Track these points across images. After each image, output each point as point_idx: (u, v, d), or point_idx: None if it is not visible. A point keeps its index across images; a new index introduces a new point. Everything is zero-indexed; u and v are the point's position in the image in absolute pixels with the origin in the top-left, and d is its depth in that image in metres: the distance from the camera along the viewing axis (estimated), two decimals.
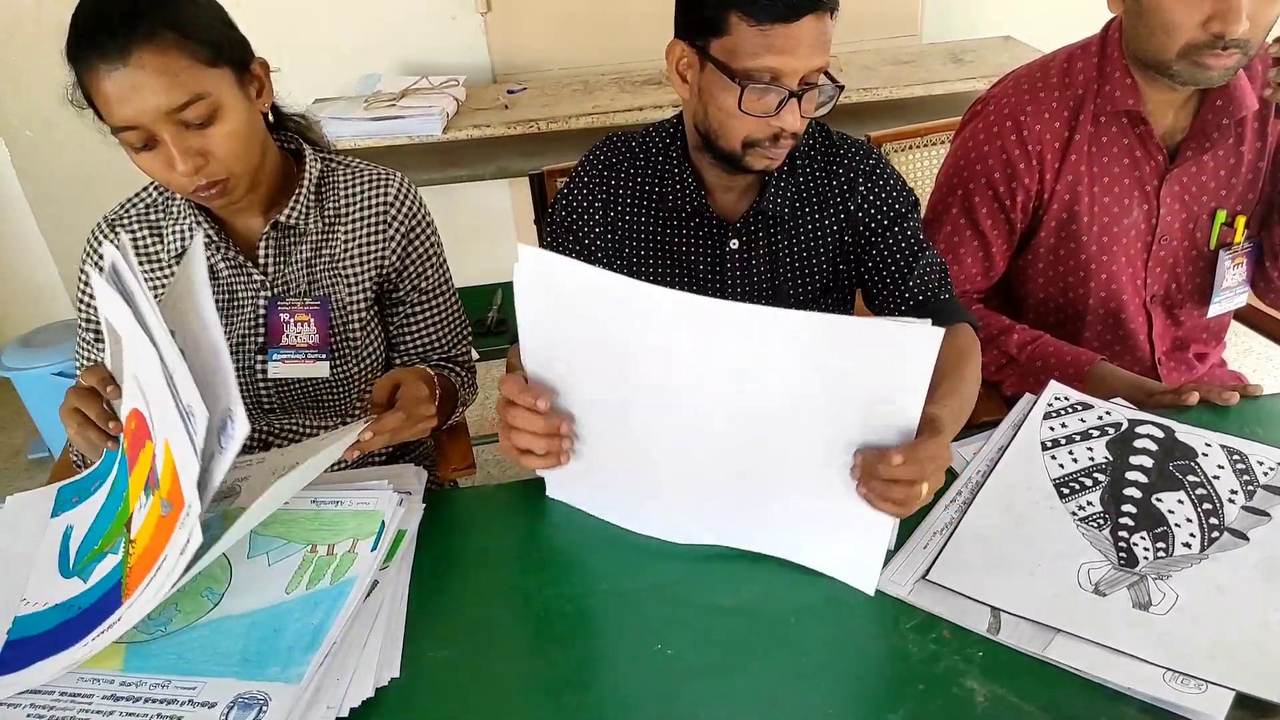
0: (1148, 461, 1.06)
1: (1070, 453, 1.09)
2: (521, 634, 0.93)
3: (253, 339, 1.23)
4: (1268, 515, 0.98)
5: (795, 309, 1.24)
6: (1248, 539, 0.96)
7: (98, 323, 1.24)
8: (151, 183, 1.25)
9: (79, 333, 1.28)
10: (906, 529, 0.98)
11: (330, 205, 1.25)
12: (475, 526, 1.10)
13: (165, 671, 0.87)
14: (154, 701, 0.84)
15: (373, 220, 1.25)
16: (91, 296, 1.25)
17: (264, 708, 0.82)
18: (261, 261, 1.22)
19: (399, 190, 1.26)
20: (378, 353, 1.31)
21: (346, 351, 1.26)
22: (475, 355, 1.43)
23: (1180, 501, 1.01)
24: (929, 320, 1.18)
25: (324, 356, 1.23)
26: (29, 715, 0.84)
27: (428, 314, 1.32)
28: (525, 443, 0.99)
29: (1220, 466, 1.05)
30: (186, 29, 1.04)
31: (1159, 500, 1.01)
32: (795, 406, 0.88)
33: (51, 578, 0.99)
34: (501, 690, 0.86)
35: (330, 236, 1.24)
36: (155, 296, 0.95)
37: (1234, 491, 1.02)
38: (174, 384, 0.88)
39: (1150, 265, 1.41)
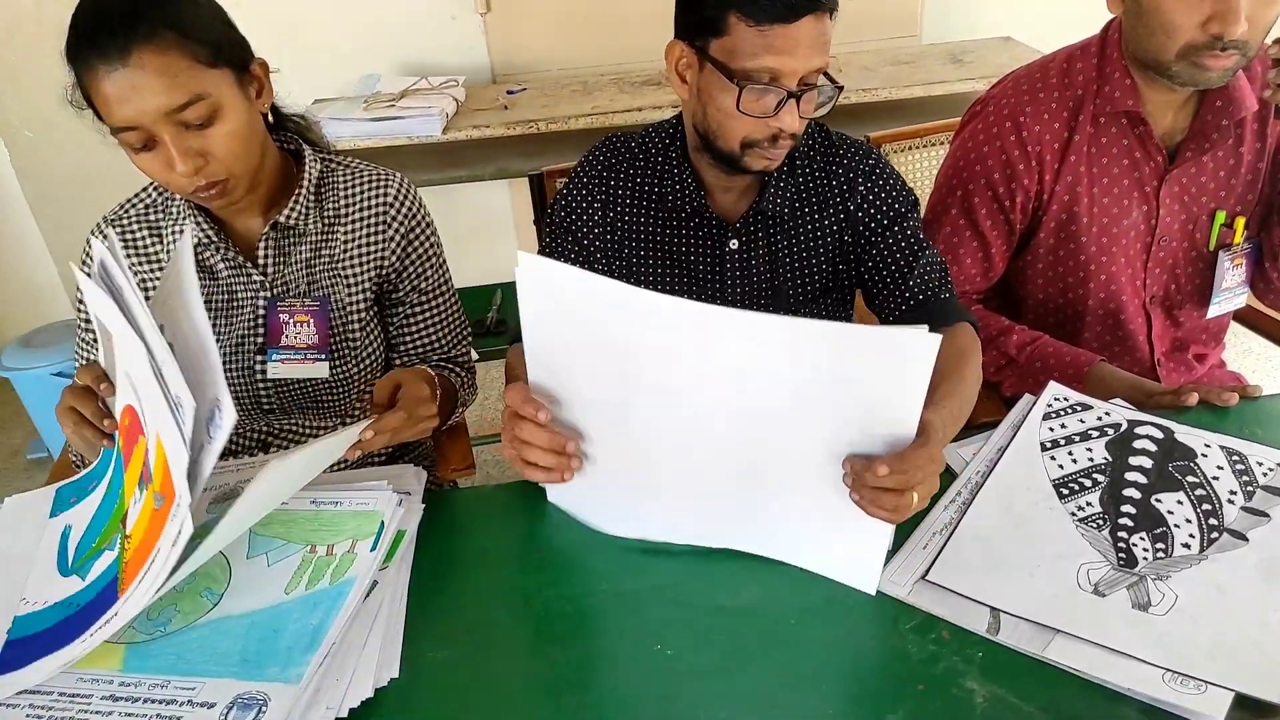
0: (1147, 462, 1.06)
1: (1070, 453, 1.09)
2: (521, 634, 0.93)
3: (252, 339, 1.23)
4: (1267, 516, 0.98)
5: (795, 309, 1.26)
6: (1247, 539, 0.96)
7: None
8: (151, 183, 1.25)
9: (78, 333, 1.28)
10: (906, 529, 0.98)
11: (330, 206, 1.25)
12: (475, 527, 1.10)
13: (164, 672, 0.87)
14: (153, 702, 0.84)
15: (372, 221, 1.25)
16: None
17: (263, 708, 0.82)
18: (261, 262, 1.22)
19: (398, 191, 1.26)
20: (377, 353, 1.31)
21: (346, 352, 1.26)
22: (475, 355, 1.43)
23: (1180, 502, 1.01)
24: (927, 325, 1.18)
25: (323, 357, 1.23)
26: (28, 715, 0.84)
27: (427, 314, 1.32)
28: (533, 457, 0.99)
29: (1219, 467, 1.05)
30: (186, 29, 1.04)
31: (1158, 501, 1.01)
32: (794, 411, 0.88)
33: (50, 577, 0.99)
34: (501, 691, 0.86)
35: (330, 237, 1.24)
36: (149, 296, 0.95)
37: (1233, 492, 1.02)
38: (162, 377, 0.89)
39: (1150, 266, 1.41)
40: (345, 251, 1.24)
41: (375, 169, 1.28)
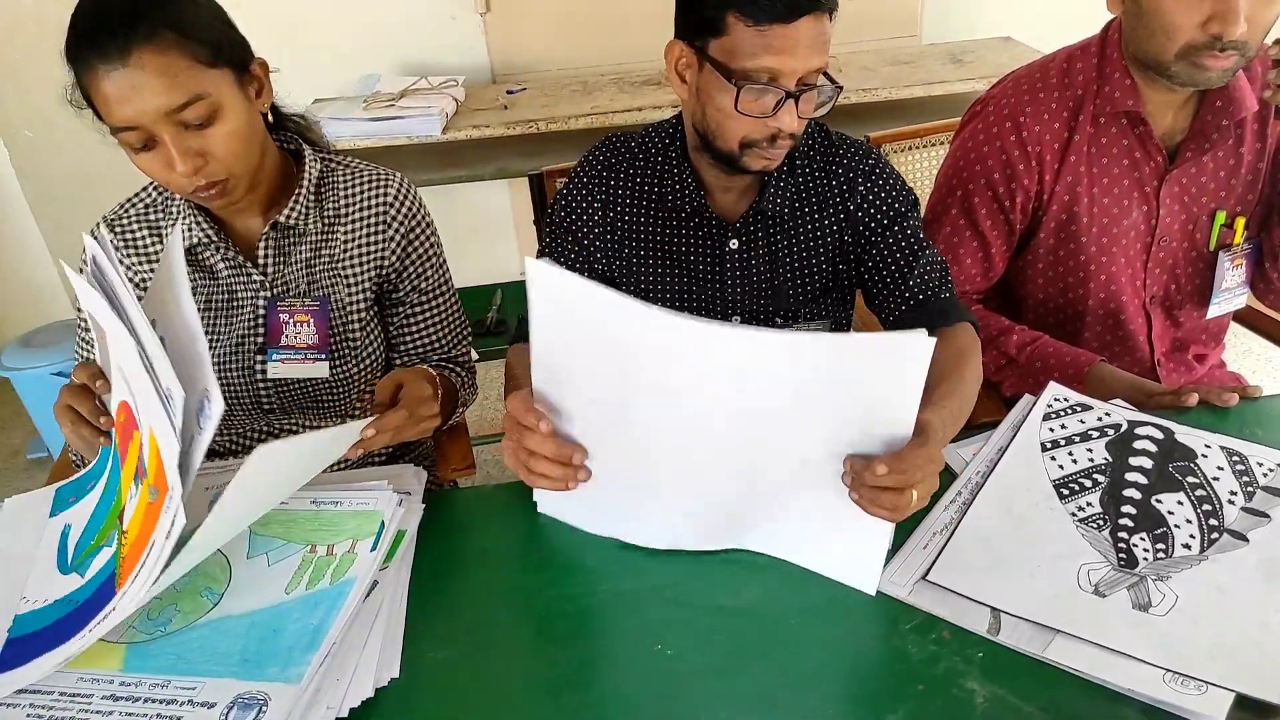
0: (1147, 463, 1.06)
1: (1070, 454, 1.09)
2: (521, 634, 0.93)
3: (252, 339, 1.23)
4: (1267, 516, 0.98)
5: (795, 309, 1.26)
6: (1247, 540, 0.96)
7: None
8: (151, 183, 1.25)
9: (78, 332, 1.28)
10: (906, 529, 0.98)
11: (330, 205, 1.25)
12: (475, 527, 1.10)
13: (165, 672, 0.87)
14: (154, 701, 0.84)
15: (372, 221, 1.25)
16: None
17: (264, 708, 0.82)
18: (261, 262, 1.22)
19: (398, 191, 1.26)
20: (377, 353, 1.31)
21: (346, 352, 1.26)
22: (475, 355, 1.43)
23: (1180, 502, 1.01)
24: (927, 325, 1.18)
25: (323, 357, 1.23)
26: (29, 715, 0.84)
27: (427, 314, 1.32)
28: (541, 468, 0.98)
29: (1220, 468, 1.05)
30: (186, 29, 1.04)
31: (1159, 501, 1.01)
32: (793, 413, 0.88)
33: (50, 575, 0.99)
34: (501, 690, 0.86)
35: (330, 237, 1.24)
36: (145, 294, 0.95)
37: (1233, 493, 1.02)
38: (153, 370, 0.89)
39: (1150, 266, 1.41)
40: (345, 251, 1.24)
41: (375, 169, 1.28)
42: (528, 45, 2.86)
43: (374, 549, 0.97)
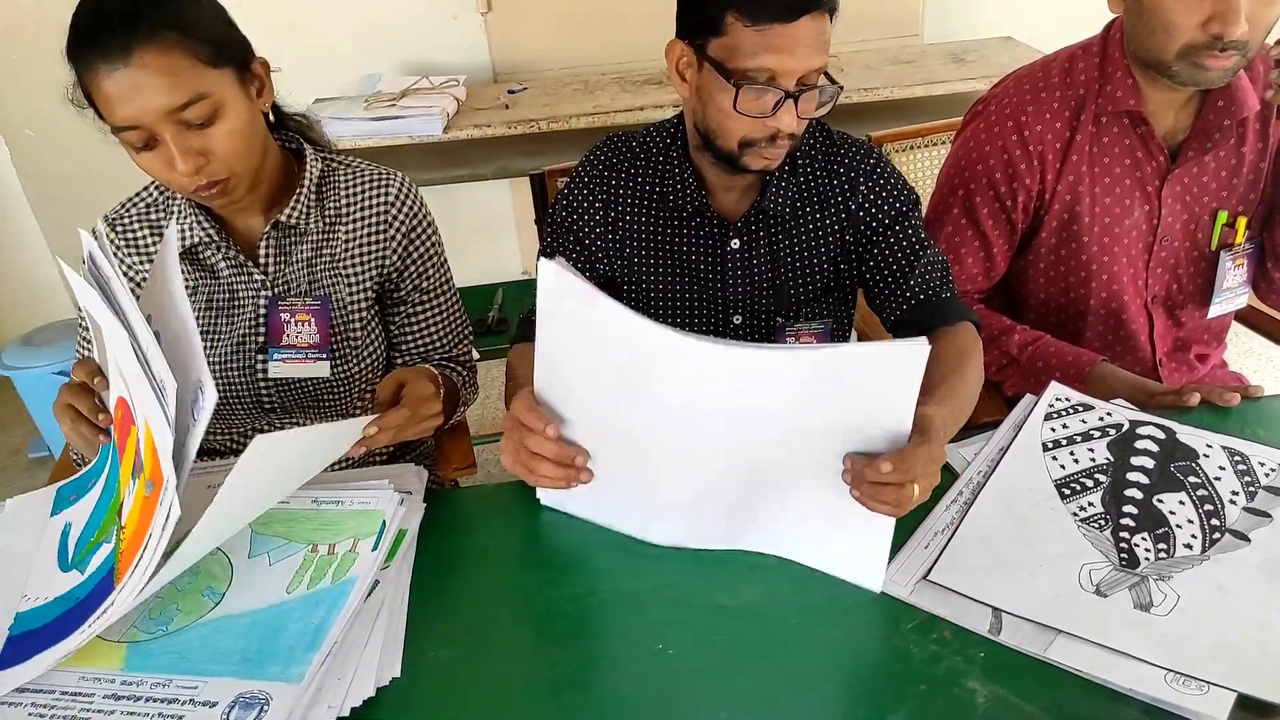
0: (1149, 462, 1.06)
1: (1071, 453, 1.09)
2: (522, 634, 0.93)
3: (253, 338, 1.23)
4: (1269, 516, 0.98)
5: (797, 308, 1.26)
6: (1249, 540, 0.96)
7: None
8: (152, 182, 1.25)
9: (79, 332, 1.28)
10: (908, 529, 0.98)
11: (331, 205, 1.25)
12: (476, 526, 1.10)
13: (166, 671, 0.87)
14: (155, 701, 0.84)
15: (374, 220, 1.25)
16: None
17: (265, 707, 0.82)
18: (262, 261, 1.22)
19: (400, 190, 1.26)
20: (378, 352, 1.31)
21: (347, 351, 1.26)
22: (476, 355, 1.43)
23: (1181, 502, 1.01)
24: (929, 324, 1.18)
25: (324, 356, 1.23)
26: (30, 714, 0.84)
27: (429, 314, 1.32)
28: (543, 470, 0.98)
29: (1221, 468, 1.05)
30: (188, 28, 1.04)
31: (1160, 501, 1.01)
32: (793, 425, 0.89)
33: (51, 573, 0.99)
34: (502, 690, 0.86)
35: (331, 236, 1.24)
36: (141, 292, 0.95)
37: (1235, 493, 1.01)
38: (147, 362, 0.89)
39: (1151, 266, 1.41)
40: (346, 251, 1.24)
41: (376, 168, 1.28)
42: (529, 44, 2.86)
43: (375, 548, 0.97)
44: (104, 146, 1.14)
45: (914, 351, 0.80)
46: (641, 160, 1.26)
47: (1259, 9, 1.16)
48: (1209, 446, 1.08)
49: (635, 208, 1.25)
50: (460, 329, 1.37)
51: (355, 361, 1.27)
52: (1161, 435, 1.10)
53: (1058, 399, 1.17)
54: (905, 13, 2.92)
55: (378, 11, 2.78)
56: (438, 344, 1.34)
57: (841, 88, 1.10)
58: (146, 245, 1.24)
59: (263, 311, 1.23)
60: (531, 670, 0.89)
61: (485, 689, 0.86)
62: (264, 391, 1.26)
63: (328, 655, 0.87)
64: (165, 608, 0.94)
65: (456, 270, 1.37)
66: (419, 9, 2.79)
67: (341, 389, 1.28)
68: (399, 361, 1.34)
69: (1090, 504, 1.01)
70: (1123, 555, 0.95)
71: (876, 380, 0.84)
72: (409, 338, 1.32)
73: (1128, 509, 1.00)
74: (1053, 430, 1.12)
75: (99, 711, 0.84)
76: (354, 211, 1.25)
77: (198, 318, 1.23)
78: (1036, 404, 1.17)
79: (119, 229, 1.25)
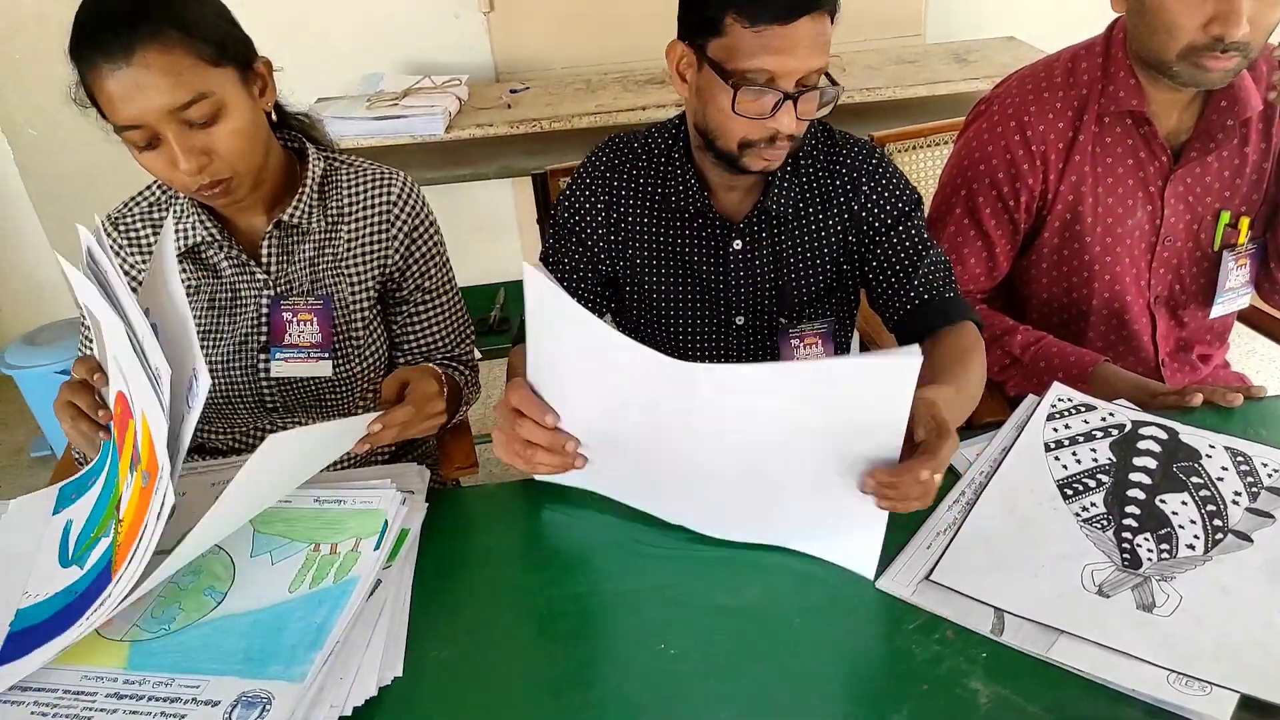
0: (1151, 463, 1.06)
1: (1074, 454, 1.08)
2: (524, 633, 0.93)
3: (256, 338, 1.23)
4: (1271, 517, 0.98)
5: (799, 309, 1.26)
6: (1251, 541, 0.96)
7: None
8: (154, 181, 1.25)
9: (81, 330, 1.28)
10: (909, 530, 0.98)
11: (333, 204, 1.25)
12: (478, 526, 1.10)
13: (168, 670, 0.87)
14: (157, 700, 0.84)
15: (376, 219, 1.25)
16: None
17: (267, 706, 0.82)
18: (264, 260, 1.22)
19: (402, 189, 1.26)
20: (381, 352, 1.31)
21: (349, 351, 1.26)
22: (478, 354, 1.43)
23: (1184, 503, 1.01)
24: (930, 325, 1.18)
25: (327, 355, 1.23)
26: (33, 713, 0.84)
27: (431, 313, 1.32)
28: (539, 458, 0.98)
29: (1224, 468, 1.05)
30: (190, 27, 1.04)
31: (1163, 502, 1.01)
32: (782, 432, 0.89)
33: (52, 570, 0.99)
34: (504, 689, 0.86)
35: (333, 235, 1.24)
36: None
37: (1238, 493, 1.01)
38: (143, 352, 0.90)
39: (1154, 266, 1.41)
40: (349, 250, 1.24)
41: (379, 168, 1.28)
42: (531, 44, 2.86)
43: (377, 548, 0.98)
44: (106, 146, 1.14)
45: (903, 363, 0.80)
46: (643, 161, 1.25)
47: (1261, 10, 1.16)
48: (1211, 447, 1.08)
49: (637, 209, 1.25)
50: (462, 328, 1.37)
51: (357, 361, 1.27)
52: (1164, 436, 1.10)
53: (1060, 399, 1.17)
54: (908, 12, 2.92)
55: (380, 11, 2.78)
56: (440, 343, 1.34)
57: (842, 89, 1.09)
58: (149, 244, 1.24)
59: (265, 311, 1.23)
60: (533, 670, 0.89)
61: (487, 688, 0.86)
62: (266, 391, 1.26)
63: (330, 654, 0.87)
64: (167, 607, 0.94)
65: (458, 270, 1.37)
66: (421, 8, 2.79)
67: (344, 388, 1.28)
68: (401, 361, 1.34)
69: (1093, 504, 1.01)
70: (1125, 556, 0.95)
71: (868, 391, 0.84)
72: (411, 337, 1.32)
73: (1130, 509, 1.00)
74: (1055, 431, 1.12)
75: (101, 710, 0.84)
76: (356, 211, 1.25)
77: (200, 317, 1.23)
78: (1039, 404, 1.17)
79: (121, 228, 1.25)
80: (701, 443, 0.91)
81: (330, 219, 1.24)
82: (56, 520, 1.07)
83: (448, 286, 1.34)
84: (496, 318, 2.35)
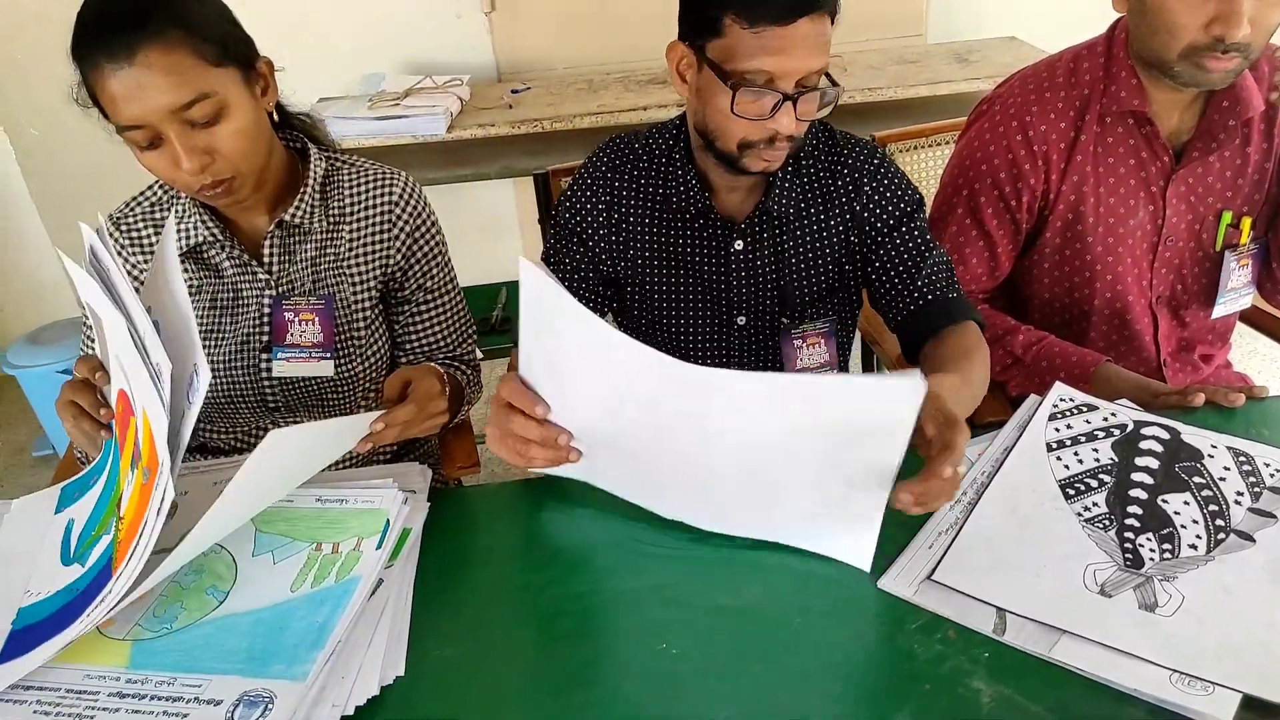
0: (1153, 463, 1.06)
1: (1076, 454, 1.08)
2: (526, 632, 0.93)
3: (257, 337, 1.24)
4: (1274, 517, 0.98)
5: (801, 309, 1.26)
6: (1254, 540, 0.95)
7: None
8: (156, 181, 1.25)
9: (83, 329, 1.29)
10: (911, 530, 0.98)
11: (335, 204, 1.25)
12: (480, 525, 1.10)
13: (171, 669, 0.87)
14: (159, 699, 0.84)
15: (378, 219, 1.25)
16: None
17: (269, 705, 0.82)
18: (266, 260, 1.22)
19: (404, 189, 1.26)
20: (382, 351, 1.31)
21: (351, 350, 1.26)
22: (479, 354, 1.43)
23: (1186, 503, 1.01)
24: (933, 326, 1.18)
25: (328, 355, 1.23)
26: (35, 712, 0.84)
27: (433, 313, 1.32)
28: (532, 453, 0.98)
29: (1226, 468, 1.05)
30: (192, 27, 1.04)
31: (1165, 501, 1.01)
32: (787, 436, 0.88)
33: (54, 569, 1.00)
34: (506, 688, 0.86)
35: (335, 235, 1.24)
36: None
37: (1240, 493, 1.01)
38: (144, 348, 0.90)
39: (1156, 266, 1.41)
40: (350, 250, 1.25)
41: (380, 168, 1.28)
42: (533, 44, 2.86)
43: (379, 547, 0.98)
44: (109, 145, 1.14)
45: (908, 388, 0.80)
46: (645, 162, 1.25)
47: (1263, 11, 1.16)
48: (1214, 447, 1.08)
49: (639, 209, 1.25)
50: (464, 328, 1.38)
51: (359, 361, 1.27)
52: (1166, 436, 1.10)
53: (1062, 399, 1.17)
54: (909, 12, 2.92)
55: (381, 11, 2.78)
56: (442, 343, 1.34)
57: (842, 89, 1.09)
58: (151, 244, 1.24)
59: (267, 311, 1.23)
60: (535, 669, 0.89)
61: (489, 687, 0.86)
62: (268, 390, 1.26)
63: (332, 654, 0.87)
64: (170, 606, 0.94)
65: (460, 269, 1.37)
66: (422, 8, 2.79)
67: (345, 388, 1.28)
68: (403, 360, 1.34)
69: (1095, 504, 1.01)
70: (1127, 555, 0.95)
71: (871, 411, 0.84)
72: (413, 337, 1.32)
73: (1132, 509, 1.00)
74: (1057, 430, 1.12)
75: (104, 709, 0.84)
76: (358, 211, 1.25)
77: (201, 317, 1.23)
78: (1041, 404, 1.17)
79: (123, 228, 1.25)
80: (700, 442, 0.91)
81: (332, 219, 1.24)
82: (58, 519, 1.07)
83: (449, 286, 1.34)
84: (498, 317, 2.35)
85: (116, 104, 1.03)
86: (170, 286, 0.97)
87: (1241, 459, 1.06)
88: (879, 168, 1.23)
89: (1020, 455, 1.08)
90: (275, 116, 1.23)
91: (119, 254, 1.24)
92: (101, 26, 1.02)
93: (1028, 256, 1.45)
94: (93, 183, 2.79)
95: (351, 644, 0.89)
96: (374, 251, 1.25)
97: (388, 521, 1.00)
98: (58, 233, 2.99)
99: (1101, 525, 0.98)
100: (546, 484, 1.09)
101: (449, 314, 1.34)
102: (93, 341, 1.28)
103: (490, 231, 3.12)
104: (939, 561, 0.95)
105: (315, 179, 1.23)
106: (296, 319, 1.23)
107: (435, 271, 1.30)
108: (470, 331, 1.39)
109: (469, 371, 1.37)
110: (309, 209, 1.22)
